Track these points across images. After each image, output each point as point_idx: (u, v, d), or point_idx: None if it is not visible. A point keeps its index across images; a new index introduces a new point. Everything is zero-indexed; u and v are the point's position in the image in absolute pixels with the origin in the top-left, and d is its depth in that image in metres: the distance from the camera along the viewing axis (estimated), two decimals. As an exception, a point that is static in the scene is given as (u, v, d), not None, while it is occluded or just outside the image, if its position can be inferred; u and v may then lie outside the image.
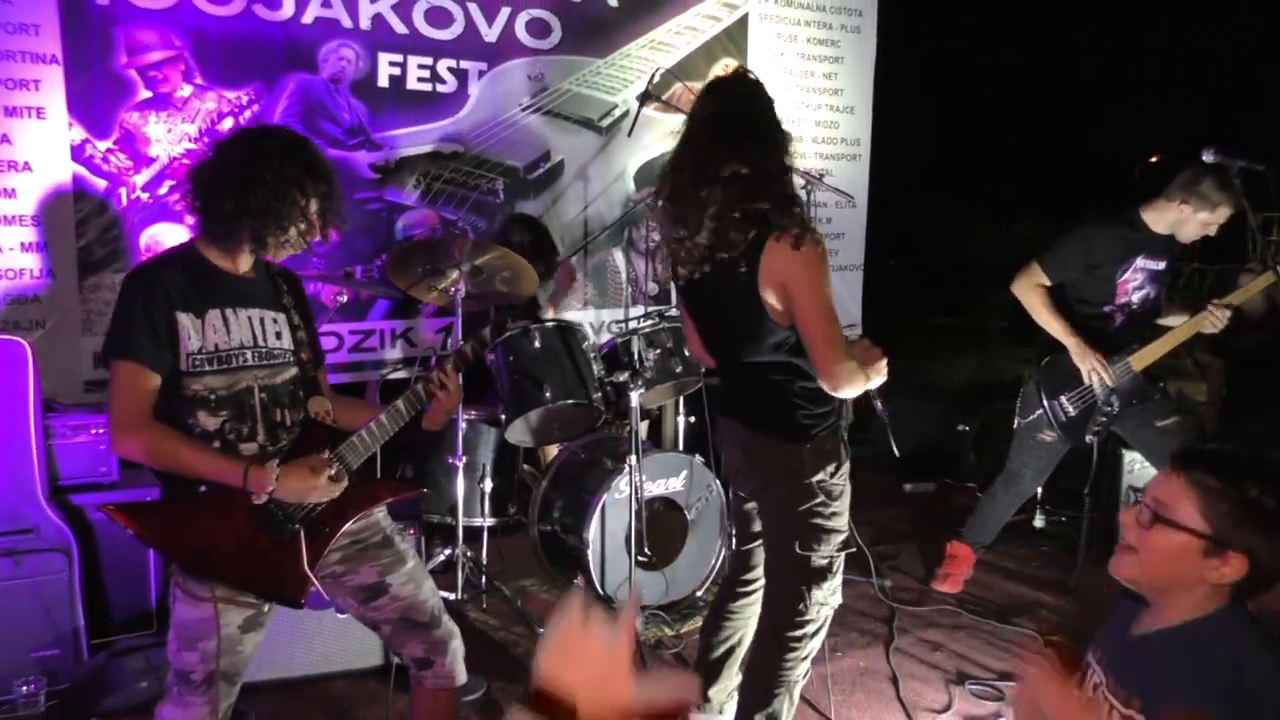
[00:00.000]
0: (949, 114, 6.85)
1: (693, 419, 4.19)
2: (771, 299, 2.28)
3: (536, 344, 3.40)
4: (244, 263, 2.22)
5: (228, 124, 4.20)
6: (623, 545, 3.51)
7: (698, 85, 5.23)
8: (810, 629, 2.45)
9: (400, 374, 4.64)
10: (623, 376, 3.48)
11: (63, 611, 2.98)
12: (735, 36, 5.44)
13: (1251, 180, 3.14)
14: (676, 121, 5.20)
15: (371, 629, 2.35)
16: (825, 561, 2.43)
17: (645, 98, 4.31)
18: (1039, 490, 4.44)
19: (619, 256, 5.27)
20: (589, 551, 3.40)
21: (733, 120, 2.31)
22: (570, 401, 3.42)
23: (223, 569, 2.04)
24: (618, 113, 5.17)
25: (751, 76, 2.45)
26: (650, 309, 4.72)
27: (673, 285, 2.61)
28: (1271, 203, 3.45)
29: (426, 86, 4.61)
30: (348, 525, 2.21)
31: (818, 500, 2.40)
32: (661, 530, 3.54)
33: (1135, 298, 3.59)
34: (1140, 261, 3.54)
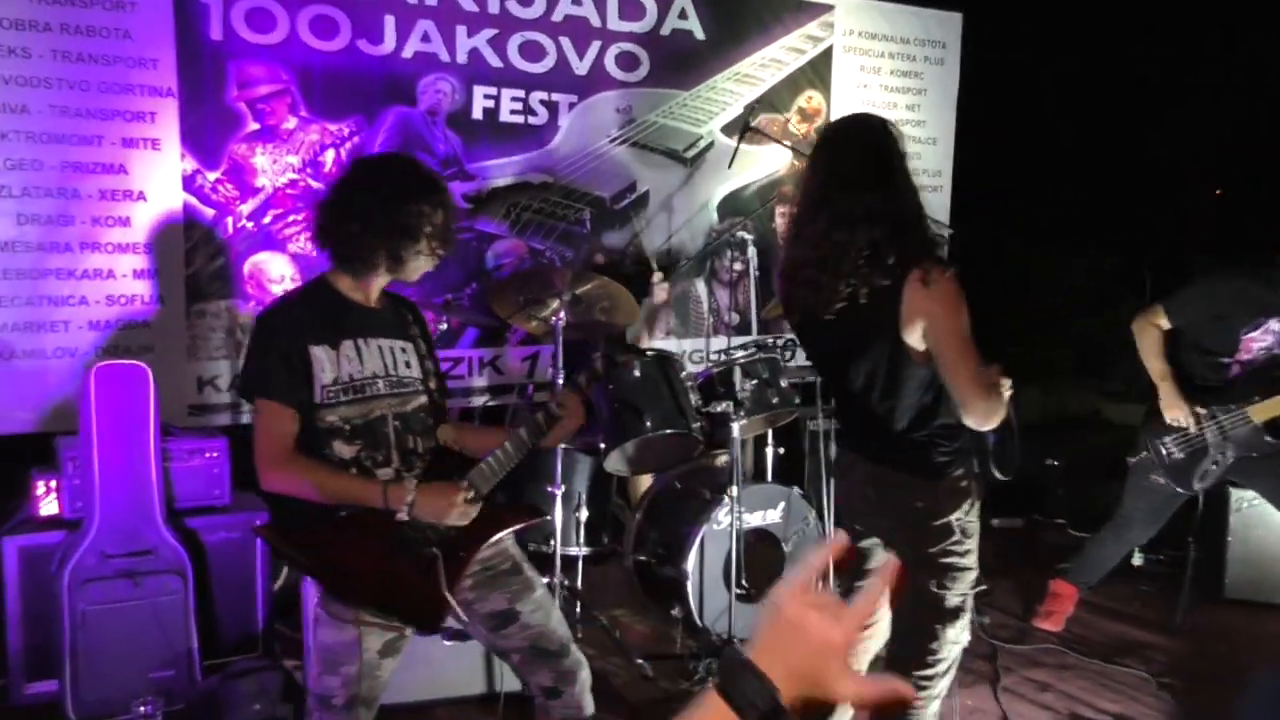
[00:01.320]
0: (1023, 141, 6.78)
1: (782, 450, 4.17)
2: (912, 339, 2.27)
3: (636, 373, 3.41)
4: (375, 292, 2.28)
5: (330, 155, 4.31)
6: (720, 577, 3.50)
7: (781, 116, 5.36)
8: (941, 668, 2.42)
9: (484, 400, 4.71)
10: (720, 407, 3.48)
11: (178, 633, 3.04)
12: (820, 68, 5.46)
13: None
14: (761, 153, 5.32)
15: (501, 658, 2.38)
16: (959, 601, 2.41)
17: (745, 131, 4.33)
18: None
19: (701, 287, 5.28)
20: (688, 583, 3.39)
21: (868, 158, 2.31)
22: (669, 431, 3.42)
23: (366, 592, 2.07)
24: (702, 144, 5.20)
25: (876, 116, 2.45)
26: (742, 339, 4.75)
27: (785, 323, 2.61)
28: None
29: (519, 119, 4.69)
30: (481, 551, 2.23)
31: (953, 539, 2.37)
32: (759, 562, 3.52)
33: (1259, 354, 3.51)
34: (1273, 324, 3.44)
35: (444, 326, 4.59)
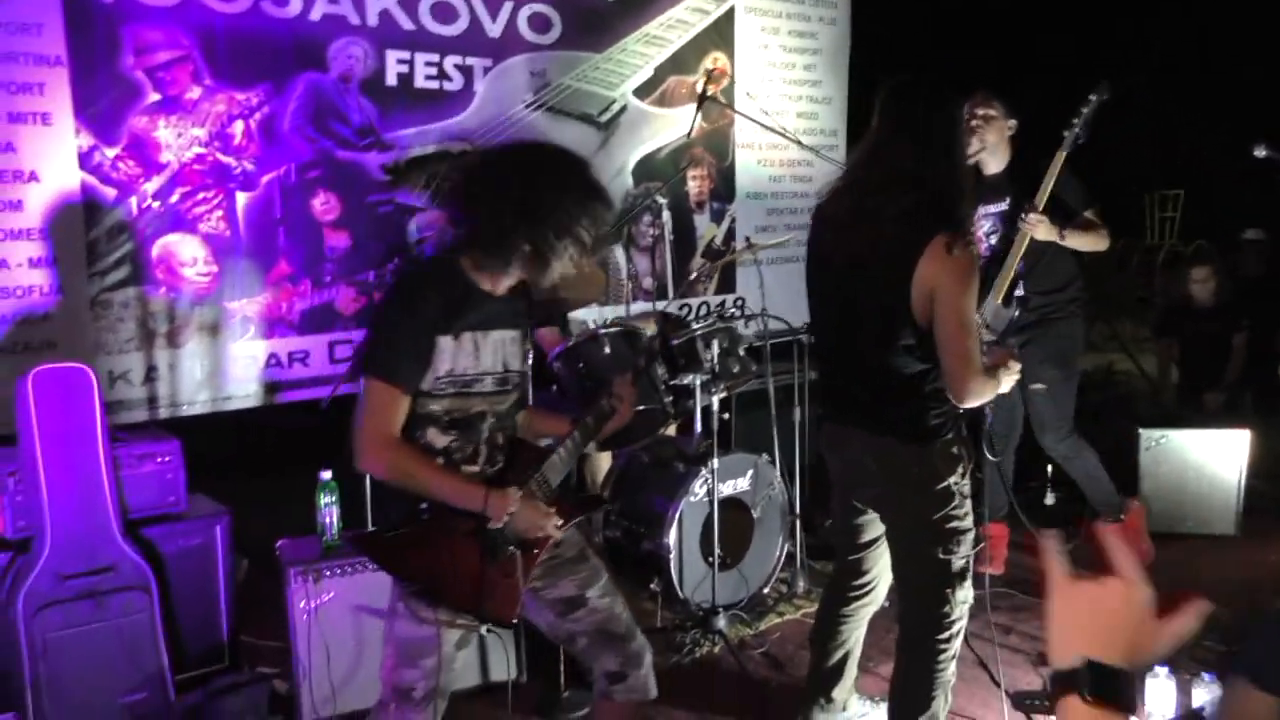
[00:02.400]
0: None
1: (726, 415, 4.20)
2: (918, 302, 2.30)
3: (606, 350, 3.37)
4: (504, 284, 2.18)
5: (239, 126, 4.01)
6: (696, 547, 3.52)
7: (689, 78, 5.33)
8: (956, 629, 2.51)
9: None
10: (688, 379, 3.47)
11: (147, 652, 2.82)
12: (723, 30, 5.47)
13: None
14: (674, 115, 5.29)
15: (565, 643, 2.38)
16: (964, 562, 2.49)
17: (703, 99, 4.30)
18: (1049, 469, 4.64)
19: (619, 253, 5.24)
20: (670, 556, 3.40)
21: (930, 124, 2.35)
22: (643, 407, 3.40)
23: (449, 594, 2.05)
24: (616, 107, 5.13)
25: (948, 85, 2.45)
26: (662, 304, 4.74)
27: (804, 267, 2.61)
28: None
29: (434, 84, 4.50)
30: (552, 542, 2.22)
31: (954, 503, 2.44)
32: (731, 530, 3.56)
33: (992, 241, 3.72)
34: (981, 209, 3.67)
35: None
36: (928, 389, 2.41)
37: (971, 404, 2.34)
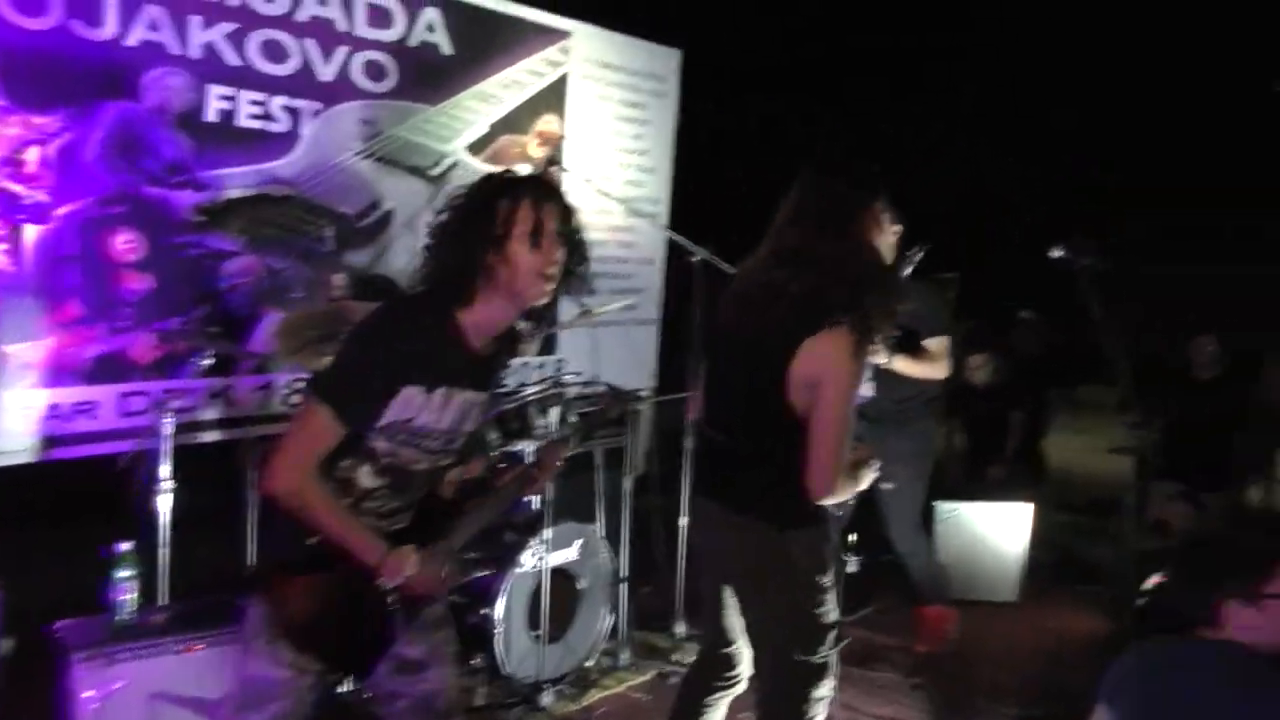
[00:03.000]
0: (738, 173, 7.34)
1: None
2: (798, 386, 2.26)
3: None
4: (493, 330, 2.08)
5: (33, 153, 3.66)
6: (522, 620, 3.43)
7: (522, 138, 5.33)
8: None
9: (214, 436, 4.24)
10: (520, 446, 3.42)
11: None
12: (558, 93, 5.50)
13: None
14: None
15: (384, 699, 2.21)
16: (824, 660, 2.43)
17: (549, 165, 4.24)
18: (852, 537, 4.84)
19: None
20: (497, 630, 3.29)
21: (836, 203, 2.37)
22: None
23: (321, 643, 1.96)
24: (447, 162, 5.05)
25: (869, 164, 2.48)
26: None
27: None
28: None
29: (258, 124, 4.27)
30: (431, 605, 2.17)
31: (815, 597, 2.39)
32: (558, 601, 3.49)
33: None
34: None
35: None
36: (795, 472, 2.31)
37: (829, 500, 2.31)
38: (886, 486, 3.92)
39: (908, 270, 3.52)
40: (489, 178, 2.13)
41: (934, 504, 4.73)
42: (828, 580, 2.43)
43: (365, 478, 2.02)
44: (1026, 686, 3.93)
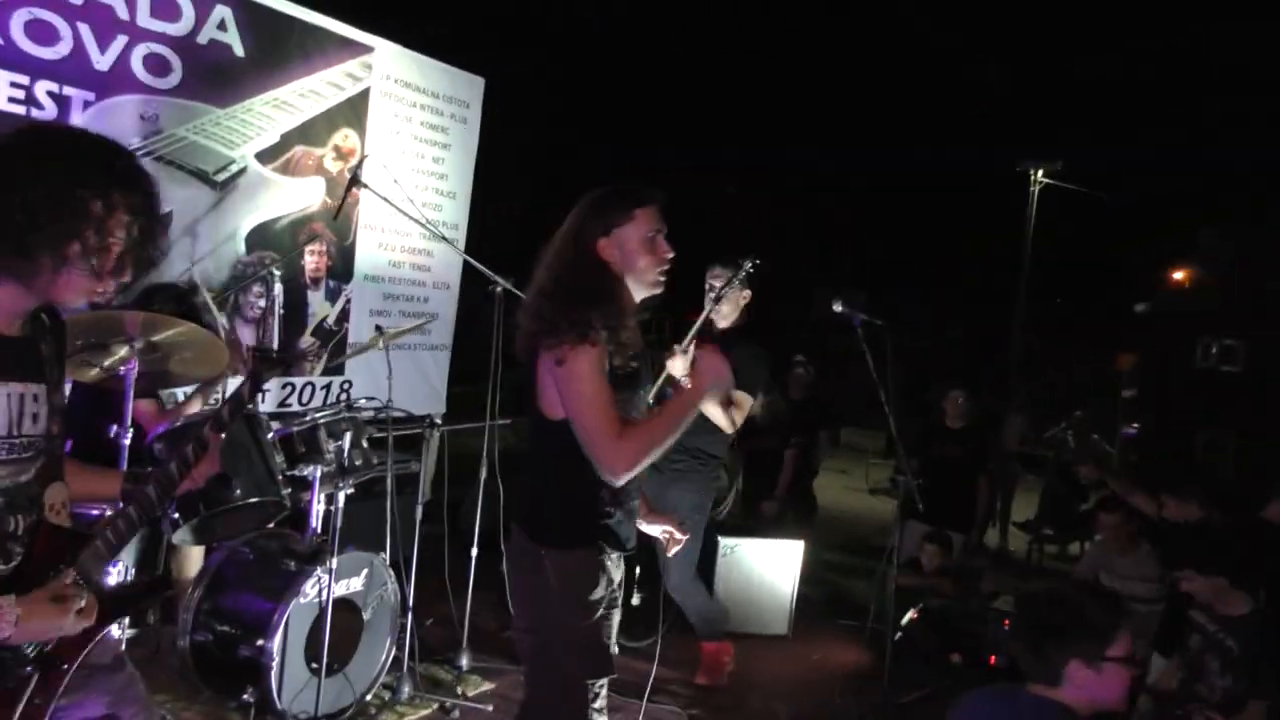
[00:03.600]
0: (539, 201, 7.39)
1: (332, 507, 3.99)
2: (550, 402, 2.31)
3: (221, 435, 3.06)
4: (18, 314, 1.74)
5: None
6: (300, 652, 3.25)
7: (317, 151, 5.15)
8: None
9: None
10: (307, 470, 3.27)
11: None
12: (357, 108, 5.36)
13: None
14: (296, 185, 5.05)
15: None
16: (595, 690, 2.39)
17: (352, 184, 4.09)
18: (637, 569, 4.94)
19: (222, 322, 4.83)
20: (272, 663, 3.10)
21: (578, 219, 2.40)
22: (256, 500, 3.13)
23: None
24: (235, 168, 4.80)
25: (597, 196, 2.44)
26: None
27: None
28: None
29: (20, 109, 3.91)
30: (84, 653, 1.81)
31: (588, 620, 2.33)
32: (339, 632, 3.34)
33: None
34: None
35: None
36: (578, 492, 2.33)
37: (629, 471, 2.25)
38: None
39: (741, 277, 3.66)
40: (90, 142, 1.75)
41: (716, 538, 4.89)
42: (602, 604, 2.36)
43: None
44: (795, 715, 4.12)
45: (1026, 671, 2.16)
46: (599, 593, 2.34)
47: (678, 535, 2.69)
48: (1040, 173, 12.40)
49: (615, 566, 2.44)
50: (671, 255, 2.42)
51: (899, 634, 4.49)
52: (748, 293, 4.00)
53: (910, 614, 4.79)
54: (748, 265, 3.61)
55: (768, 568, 5.00)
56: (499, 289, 3.91)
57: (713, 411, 3.81)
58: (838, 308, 3.73)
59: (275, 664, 3.12)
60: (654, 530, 2.65)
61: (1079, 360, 16.32)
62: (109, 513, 1.93)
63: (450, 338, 6.27)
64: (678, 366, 3.54)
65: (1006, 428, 8.42)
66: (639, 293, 2.42)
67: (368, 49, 5.36)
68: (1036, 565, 7.97)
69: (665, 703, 4.01)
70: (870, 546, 7.20)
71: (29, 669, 1.71)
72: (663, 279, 2.44)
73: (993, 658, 4.67)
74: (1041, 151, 12.53)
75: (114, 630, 1.99)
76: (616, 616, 2.46)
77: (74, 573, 1.76)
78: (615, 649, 2.49)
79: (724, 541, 4.91)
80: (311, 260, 5.24)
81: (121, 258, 1.72)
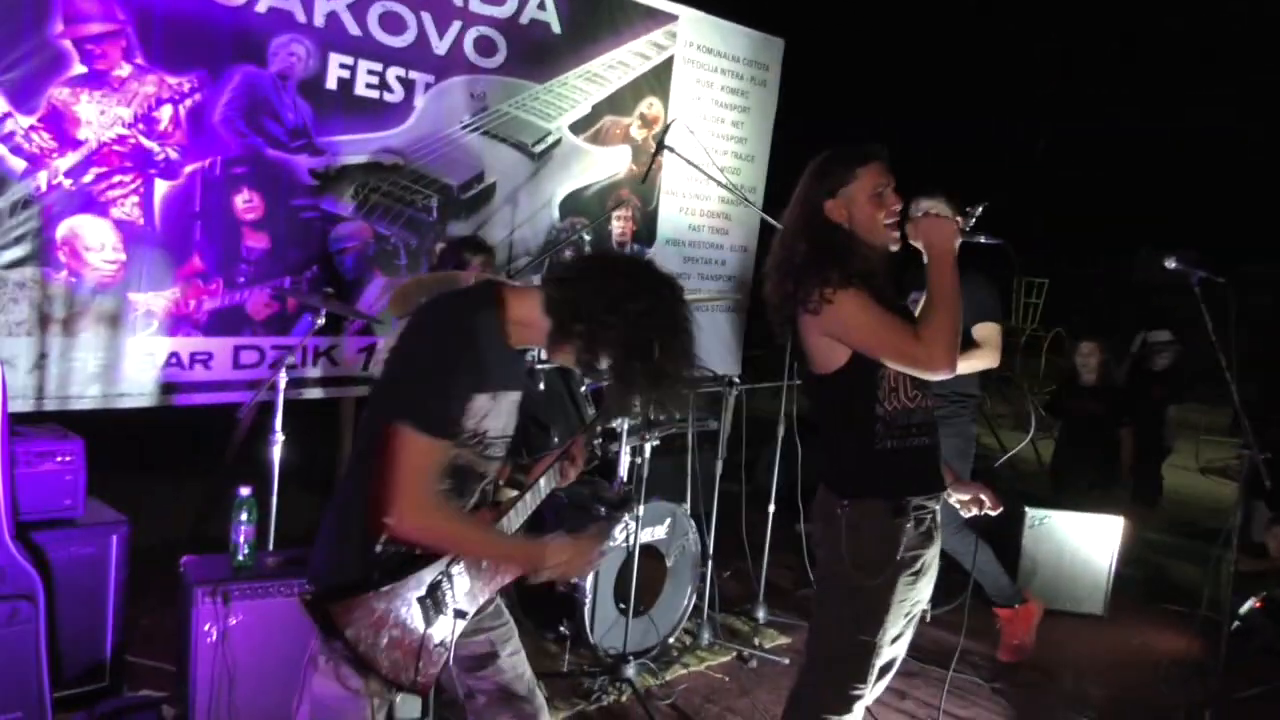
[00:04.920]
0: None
1: (639, 460, 4.20)
2: (819, 349, 2.36)
3: (541, 386, 3.33)
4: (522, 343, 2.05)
5: (166, 111, 3.81)
6: (609, 594, 3.49)
7: (624, 120, 5.37)
8: None
9: (316, 394, 4.38)
10: (616, 423, 3.46)
11: (28, 668, 2.58)
12: (661, 76, 5.53)
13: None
14: (605, 154, 5.31)
15: (465, 696, 2.22)
16: None
17: (660, 148, 4.26)
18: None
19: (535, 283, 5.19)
20: (586, 601, 3.36)
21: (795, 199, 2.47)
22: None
23: (382, 665, 1.89)
24: (550, 140, 5.11)
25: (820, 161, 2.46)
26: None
27: None
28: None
29: (374, 94, 4.38)
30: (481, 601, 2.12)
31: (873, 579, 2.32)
32: (645, 577, 3.54)
33: None
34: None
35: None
36: (860, 438, 2.35)
37: (950, 359, 2.27)
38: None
39: (970, 225, 3.44)
40: (667, 296, 1.94)
41: (1025, 508, 4.66)
42: (879, 560, 2.33)
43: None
44: (1111, 700, 3.87)
45: None
46: (891, 554, 2.31)
47: (989, 503, 2.58)
48: None
49: (924, 532, 2.36)
50: (899, 206, 2.38)
51: (1236, 623, 4.07)
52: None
53: (1252, 602, 4.33)
54: (979, 210, 3.35)
55: (1082, 542, 4.70)
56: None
57: (965, 360, 3.62)
58: (1171, 264, 3.40)
59: (588, 602, 3.37)
60: (964, 497, 2.56)
61: None
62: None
63: (748, 300, 6.35)
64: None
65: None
66: (876, 248, 2.39)
67: (672, 17, 5.51)
68: None
69: (966, 673, 3.90)
70: (1200, 529, 6.55)
71: (457, 610, 2.00)
72: (897, 234, 2.39)
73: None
74: None
75: None
76: (923, 584, 2.42)
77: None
78: (922, 615, 2.48)
79: (1032, 513, 4.66)
80: (618, 225, 5.50)
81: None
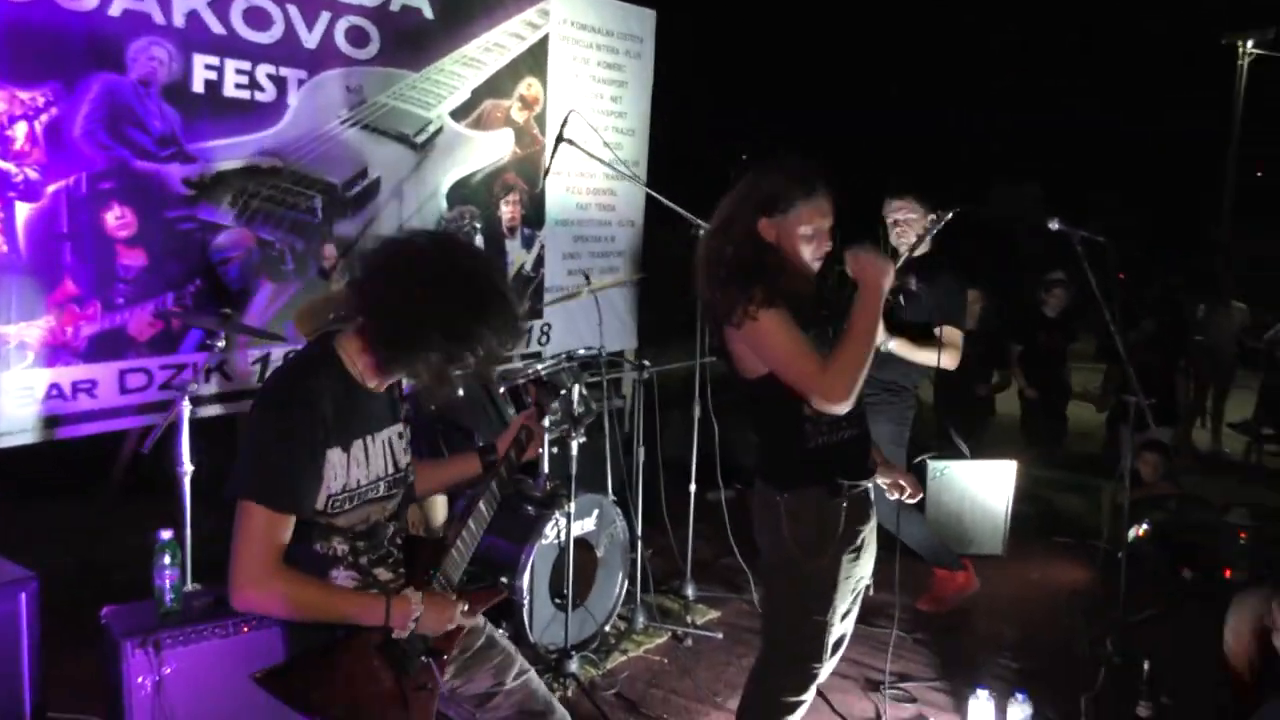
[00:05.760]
0: (712, 133, 7.35)
1: (555, 449, 4.20)
2: (743, 357, 2.44)
3: (460, 392, 3.26)
4: (383, 382, 2.00)
5: (21, 129, 3.55)
6: (545, 589, 3.49)
7: (505, 102, 5.28)
8: None
9: (214, 411, 4.20)
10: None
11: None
12: (538, 55, 5.45)
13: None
14: (488, 139, 5.21)
15: None
16: None
17: (559, 140, 4.19)
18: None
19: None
20: (524, 600, 3.35)
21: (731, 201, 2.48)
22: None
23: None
24: (432, 129, 4.99)
25: (763, 178, 2.44)
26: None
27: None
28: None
29: (244, 94, 4.18)
30: (457, 642, 2.09)
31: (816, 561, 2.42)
32: (578, 570, 3.55)
33: None
34: None
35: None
36: (793, 433, 2.41)
37: (849, 394, 2.31)
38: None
39: (934, 232, 3.53)
40: (472, 267, 1.93)
41: (925, 463, 4.87)
42: (820, 541, 2.42)
43: (341, 545, 1.94)
44: (1024, 639, 4.10)
45: None
46: (831, 533, 2.40)
47: (909, 490, 2.70)
48: (1250, 43, 11.31)
49: (857, 509, 2.46)
50: (828, 249, 2.39)
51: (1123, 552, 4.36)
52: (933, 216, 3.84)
53: (1135, 530, 4.64)
54: (948, 215, 3.45)
55: (980, 488, 4.94)
56: (701, 232, 3.94)
57: (911, 352, 3.75)
58: (1054, 226, 3.57)
59: (526, 601, 3.36)
60: (886, 481, 2.67)
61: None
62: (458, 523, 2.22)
63: (637, 273, 6.37)
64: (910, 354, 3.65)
65: (1220, 319, 7.88)
66: (803, 271, 2.40)
67: (545, -6, 5.42)
68: (1255, 466, 7.54)
69: (887, 626, 4.06)
70: (1076, 457, 6.98)
71: (423, 658, 1.98)
72: (818, 262, 2.41)
73: (1228, 571, 4.50)
74: (1250, 20, 11.39)
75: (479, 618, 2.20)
76: (864, 560, 2.52)
77: (442, 574, 2.07)
78: (865, 589, 2.58)
79: (933, 465, 4.88)
80: (507, 210, 5.43)
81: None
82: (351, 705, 1.82)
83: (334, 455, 1.86)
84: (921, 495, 2.72)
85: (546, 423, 2.52)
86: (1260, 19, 11.57)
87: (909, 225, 3.79)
